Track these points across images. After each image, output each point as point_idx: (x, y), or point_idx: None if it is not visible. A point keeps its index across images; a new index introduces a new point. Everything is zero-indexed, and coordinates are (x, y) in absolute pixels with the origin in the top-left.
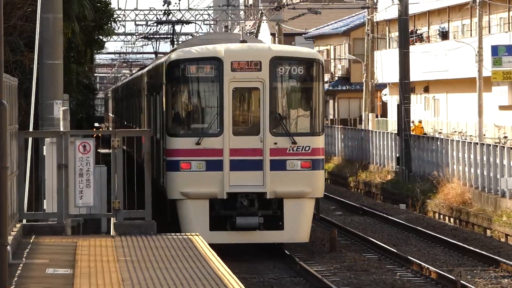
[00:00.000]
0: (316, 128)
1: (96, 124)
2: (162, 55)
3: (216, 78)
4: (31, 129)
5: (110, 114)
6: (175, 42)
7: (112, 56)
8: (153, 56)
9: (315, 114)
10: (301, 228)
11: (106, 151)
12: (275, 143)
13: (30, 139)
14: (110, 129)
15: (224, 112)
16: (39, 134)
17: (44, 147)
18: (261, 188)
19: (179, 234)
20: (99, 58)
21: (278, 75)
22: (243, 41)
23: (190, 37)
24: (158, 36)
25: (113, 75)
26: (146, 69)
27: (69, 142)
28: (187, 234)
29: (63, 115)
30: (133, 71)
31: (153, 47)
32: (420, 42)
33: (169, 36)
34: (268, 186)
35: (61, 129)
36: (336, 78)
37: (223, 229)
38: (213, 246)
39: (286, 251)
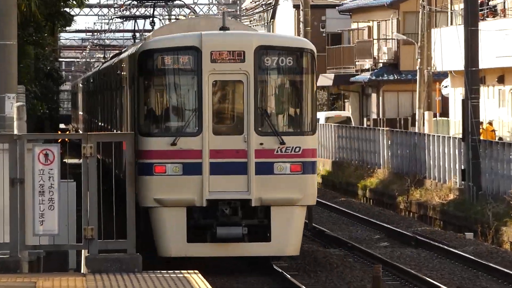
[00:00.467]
0: (307, 126)
1: (62, 126)
2: (140, 37)
3: (194, 70)
4: None
5: (80, 112)
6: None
7: (83, 35)
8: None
9: (306, 110)
10: (290, 240)
11: (75, 161)
12: (261, 144)
13: None
14: (80, 131)
15: (203, 108)
16: None
17: None
18: (245, 195)
19: (171, 271)
20: (66, 37)
21: (264, 67)
22: (225, 28)
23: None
24: (136, 16)
25: (83, 60)
26: (117, 58)
27: (25, 149)
28: (183, 272)
29: (18, 113)
30: (109, 56)
31: (133, 25)
32: (493, 16)
33: (150, 16)
34: (253, 192)
35: (15, 131)
36: (381, 65)
37: (202, 240)
38: (192, 260)
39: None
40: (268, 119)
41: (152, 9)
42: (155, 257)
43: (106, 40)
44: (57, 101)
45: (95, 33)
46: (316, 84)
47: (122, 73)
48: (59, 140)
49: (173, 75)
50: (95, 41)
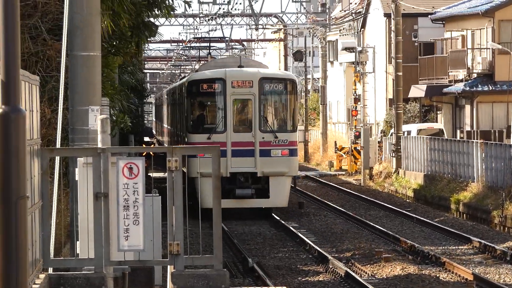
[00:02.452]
0: (291, 127)
1: (146, 139)
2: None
3: (221, 93)
4: (58, 145)
5: (165, 125)
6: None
7: (168, 45)
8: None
9: (290, 117)
10: (282, 197)
11: (160, 174)
12: (263, 138)
13: (57, 159)
14: (166, 145)
15: (227, 116)
16: (69, 152)
17: (77, 169)
18: (253, 169)
19: None
20: (150, 48)
21: (264, 90)
22: (241, 66)
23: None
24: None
25: (168, 71)
26: (178, 81)
27: (109, 163)
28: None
29: (102, 126)
30: (197, 66)
31: (223, 35)
32: None
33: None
34: (258, 168)
35: (99, 145)
36: (475, 75)
37: (227, 197)
38: (223, 210)
39: None
40: (267, 123)
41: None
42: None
43: (191, 50)
44: (141, 113)
45: (180, 44)
46: (296, 100)
47: (181, 93)
48: (144, 154)
49: (208, 96)
50: (180, 52)
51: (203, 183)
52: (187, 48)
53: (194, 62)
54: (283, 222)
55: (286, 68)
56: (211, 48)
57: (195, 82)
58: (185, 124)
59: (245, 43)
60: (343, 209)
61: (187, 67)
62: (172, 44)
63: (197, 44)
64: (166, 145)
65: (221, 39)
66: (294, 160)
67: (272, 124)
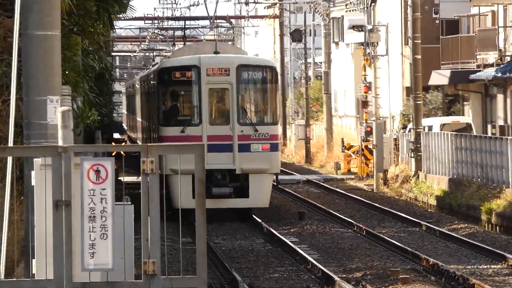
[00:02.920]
0: (273, 119)
1: (116, 136)
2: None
3: (195, 81)
4: (10, 143)
5: (139, 119)
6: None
7: (141, 23)
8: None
9: (271, 108)
10: (262, 196)
11: (133, 179)
12: (242, 131)
13: (9, 160)
14: (139, 142)
15: (202, 107)
16: (24, 152)
17: (33, 172)
18: (231, 166)
19: None
20: (120, 27)
21: (242, 79)
22: (216, 52)
23: None
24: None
25: (141, 54)
26: (148, 70)
27: (72, 165)
28: None
29: (63, 119)
30: (176, 48)
31: (207, 11)
32: None
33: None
34: (237, 164)
35: (60, 143)
36: (508, 59)
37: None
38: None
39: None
40: (246, 114)
41: None
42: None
43: (168, 30)
44: (110, 105)
45: (156, 21)
46: (278, 90)
47: (152, 82)
48: (113, 153)
49: (181, 85)
50: (155, 31)
51: (176, 181)
52: (163, 27)
53: (172, 43)
54: (280, 236)
55: (282, 50)
56: (192, 27)
57: (167, 70)
58: (156, 116)
59: (233, 20)
60: (352, 220)
61: (163, 49)
62: (146, 21)
63: (175, 23)
64: (140, 143)
65: (204, 17)
66: (275, 155)
67: (251, 116)
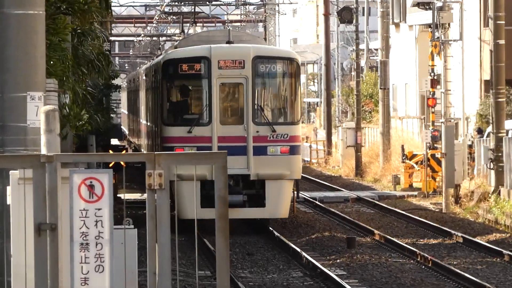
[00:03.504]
0: (293, 118)
1: (115, 141)
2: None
3: (205, 75)
4: None
5: (142, 120)
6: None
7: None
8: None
9: (292, 106)
10: (281, 206)
11: (135, 196)
12: (257, 131)
13: None
14: (143, 150)
15: (213, 104)
16: None
17: (8, 188)
18: (245, 171)
19: None
20: (120, 3)
21: (259, 72)
22: (230, 42)
23: None
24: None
25: (147, 39)
26: (148, 64)
27: (59, 178)
28: None
29: (47, 121)
30: (189, 31)
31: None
32: None
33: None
34: (252, 169)
35: (43, 151)
36: None
37: (213, 206)
38: (205, 221)
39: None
40: (262, 112)
41: None
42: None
43: (183, 7)
44: (107, 104)
45: None
46: (300, 85)
47: (156, 75)
48: (111, 164)
49: (189, 79)
50: (165, 9)
51: (182, 187)
52: (175, 4)
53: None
54: (323, 268)
55: (327, 34)
56: (214, 4)
57: (173, 62)
58: (160, 114)
59: None
60: (414, 249)
61: (175, 33)
62: None
63: None
64: (145, 151)
65: None
66: (296, 159)
67: (268, 114)
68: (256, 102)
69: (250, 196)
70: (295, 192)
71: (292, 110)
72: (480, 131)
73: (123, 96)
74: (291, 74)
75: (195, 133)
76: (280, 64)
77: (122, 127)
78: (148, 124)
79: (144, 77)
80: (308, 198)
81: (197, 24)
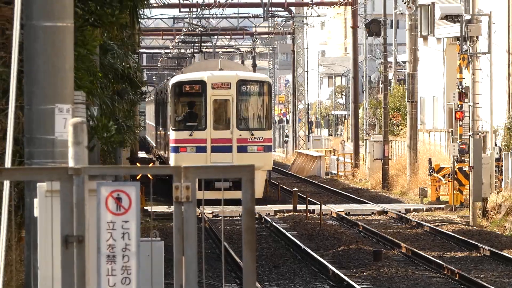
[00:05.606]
0: (266, 125)
1: (142, 154)
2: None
3: (202, 93)
4: (8, 164)
5: (170, 133)
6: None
7: (175, 12)
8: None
9: (265, 116)
10: (257, 190)
11: (162, 208)
12: (240, 135)
13: (5, 184)
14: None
15: (207, 115)
16: (25, 174)
17: (35, 200)
18: (231, 164)
19: None
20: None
21: (241, 92)
22: (221, 69)
23: None
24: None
25: (176, 50)
26: (160, 84)
27: (86, 191)
28: None
29: (75, 134)
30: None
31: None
32: None
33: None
34: (236, 162)
35: (71, 163)
36: None
37: (207, 189)
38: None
39: None
40: (244, 121)
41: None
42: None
43: (211, 19)
44: (134, 117)
45: (195, 9)
46: (271, 100)
47: (166, 93)
48: (139, 177)
49: (191, 96)
50: (193, 22)
51: None
52: (204, 16)
53: (215, 36)
54: (349, 280)
55: (355, 47)
56: (242, 17)
57: (179, 84)
58: (169, 121)
59: (293, 8)
60: (441, 262)
61: (204, 43)
62: (182, 9)
63: (218, 11)
64: (159, 150)
65: (257, 3)
66: (268, 155)
67: (248, 122)
68: (239, 114)
69: (234, 183)
70: (267, 179)
71: (265, 119)
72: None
73: (150, 108)
74: (265, 92)
75: (195, 136)
76: (257, 86)
77: (146, 138)
78: (161, 129)
79: (158, 95)
80: (335, 211)
81: (225, 36)
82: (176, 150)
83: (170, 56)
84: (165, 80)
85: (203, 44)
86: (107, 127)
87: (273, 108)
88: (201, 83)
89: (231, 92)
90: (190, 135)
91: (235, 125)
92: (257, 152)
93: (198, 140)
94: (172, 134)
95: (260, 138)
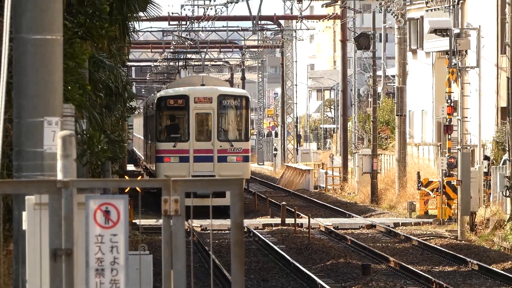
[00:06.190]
0: (245, 137)
1: (131, 167)
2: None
3: (185, 107)
4: None
5: (156, 142)
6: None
7: (164, 25)
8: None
9: (244, 128)
10: None
11: (151, 222)
12: (221, 146)
13: None
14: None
15: (190, 127)
16: (13, 187)
17: (24, 213)
18: (212, 172)
19: None
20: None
21: (222, 106)
22: (203, 85)
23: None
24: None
25: (164, 64)
26: (148, 98)
27: (75, 204)
28: None
29: (64, 147)
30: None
31: (249, 9)
32: None
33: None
34: (216, 171)
35: (60, 176)
36: None
37: (188, 197)
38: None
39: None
40: (224, 133)
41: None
42: None
43: (200, 32)
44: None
45: (184, 22)
46: (250, 114)
47: (152, 107)
48: (127, 190)
49: (174, 110)
50: (183, 35)
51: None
52: (193, 29)
53: (204, 49)
54: None
55: (344, 60)
56: (231, 30)
57: (164, 98)
58: (154, 133)
59: (282, 22)
60: (429, 276)
61: (192, 56)
62: (172, 23)
63: (207, 24)
64: (145, 161)
65: (245, 17)
66: (246, 165)
67: (228, 134)
68: (220, 126)
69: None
70: (245, 188)
71: (244, 131)
72: (486, 158)
73: (137, 121)
74: (243, 106)
75: (178, 147)
76: (236, 100)
77: (136, 151)
78: (149, 142)
79: (145, 108)
80: (323, 225)
81: (214, 49)
82: (161, 160)
83: (160, 69)
84: (152, 94)
85: (192, 57)
86: (99, 141)
87: (250, 120)
88: (185, 98)
89: (212, 106)
90: (174, 146)
91: (216, 136)
92: (236, 162)
93: (181, 151)
94: (157, 145)
95: (239, 149)
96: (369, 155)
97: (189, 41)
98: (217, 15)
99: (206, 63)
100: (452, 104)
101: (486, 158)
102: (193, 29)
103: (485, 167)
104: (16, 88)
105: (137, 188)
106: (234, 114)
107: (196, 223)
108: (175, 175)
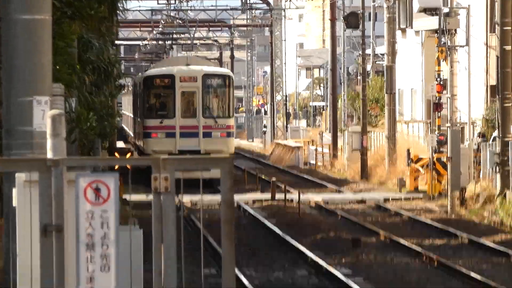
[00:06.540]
0: (228, 113)
1: (120, 144)
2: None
3: (171, 86)
4: None
5: (144, 118)
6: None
7: (153, 3)
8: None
9: (228, 105)
10: None
11: (141, 197)
12: (205, 122)
13: None
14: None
15: (176, 104)
16: (4, 165)
17: (15, 190)
18: (197, 147)
19: None
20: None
21: (206, 84)
22: (188, 64)
23: None
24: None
25: (153, 42)
26: (135, 77)
27: (65, 181)
28: None
29: (54, 125)
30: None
31: None
32: None
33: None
34: (202, 146)
35: (50, 155)
36: None
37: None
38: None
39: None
40: (208, 110)
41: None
42: None
43: (189, 11)
44: (112, 110)
45: (172, 1)
46: (233, 92)
47: (139, 86)
48: (117, 167)
49: (161, 88)
50: (172, 14)
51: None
52: (182, 9)
53: (193, 28)
54: (328, 267)
55: (333, 39)
56: (220, 9)
57: (151, 77)
58: (142, 111)
59: (271, 1)
60: (419, 249)
61: (181, 36)
62: (160, 1)
63: (197, 3)
64: (135, 138)
65: None
66: (230, 140)
67: (212, 111)
68: (204, 103)
69: None
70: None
71: (228, 108)
72: (482, 136)
73: (126, 99)
74: (227, 85)
75: (165, 123)
76: (220, 79)
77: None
78: (138, 119)
79: (134, 86)
80: (313, 201)
81: (203, 28)
82: (149, 135)
83: (148, 48)
84: (140, 73)
85: (181, 36)
86: (87, 119)
87: (234, 98)
88: (171, 77)
89: (197, 84)
90: (161, 122)
91: (201, 113)
92: (221, 138)
93: (168, 127)
94: (145, 122)
95: (223, 125)
96: (358, 133)
97: (178, 20)
98: None
99: (195, 41)
100: (441, 83)
101: (482, 135)
102: (182, 8)
103: (475, 144)
104: (5, 69)
105: (127, 166)
106: (218, 92)
107: (186, 199)
108: (162, 150)
